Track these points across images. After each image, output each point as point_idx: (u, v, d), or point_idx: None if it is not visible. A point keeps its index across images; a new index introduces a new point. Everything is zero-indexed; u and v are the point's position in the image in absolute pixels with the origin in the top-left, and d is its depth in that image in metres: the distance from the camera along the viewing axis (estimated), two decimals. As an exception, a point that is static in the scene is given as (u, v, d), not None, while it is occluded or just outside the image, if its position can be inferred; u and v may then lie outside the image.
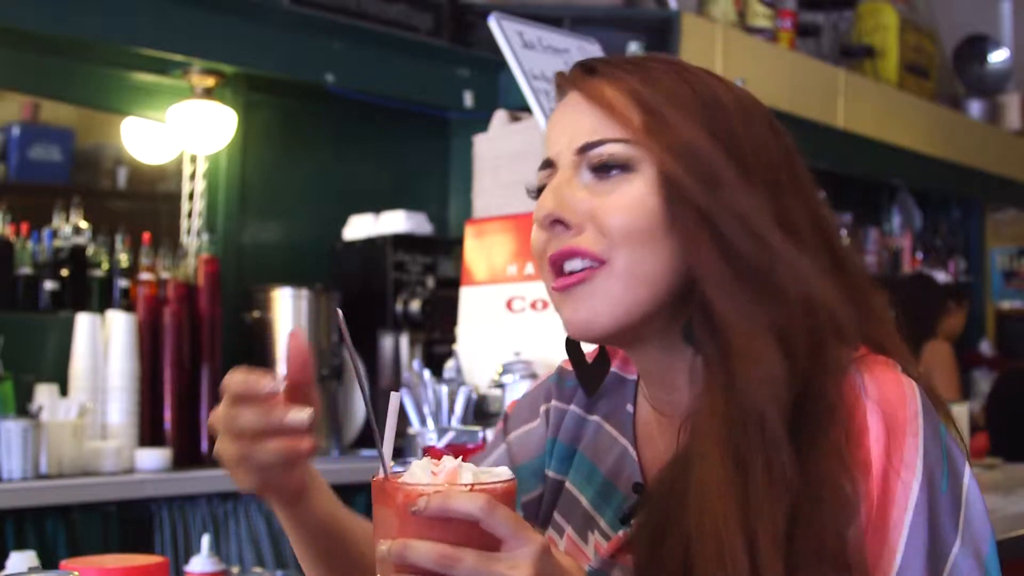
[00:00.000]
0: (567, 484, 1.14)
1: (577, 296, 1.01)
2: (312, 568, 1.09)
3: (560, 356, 1.23)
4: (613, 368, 1.17)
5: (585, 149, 1.02)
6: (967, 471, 0.96)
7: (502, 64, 3.10)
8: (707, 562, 0.91)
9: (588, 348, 1.16)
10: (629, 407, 1.14)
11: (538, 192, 1.06)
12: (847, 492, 0.92)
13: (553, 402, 1.20)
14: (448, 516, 0.83)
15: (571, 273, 1.01)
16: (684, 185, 0.98)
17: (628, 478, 1.09)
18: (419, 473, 0.87)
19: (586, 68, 1.07)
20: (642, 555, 0.99)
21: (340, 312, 0.95)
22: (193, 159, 3.80)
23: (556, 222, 1.01)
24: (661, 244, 0.99)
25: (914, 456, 0.93)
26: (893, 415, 0.94)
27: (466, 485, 0.85)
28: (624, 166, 1.00)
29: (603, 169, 1.01)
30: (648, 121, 1.00)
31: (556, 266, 1.02)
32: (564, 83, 1.08)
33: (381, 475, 0.89)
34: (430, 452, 0.88)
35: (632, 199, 0.99)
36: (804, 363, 0.95)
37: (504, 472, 0.89)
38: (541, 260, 1.05)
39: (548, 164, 1.06)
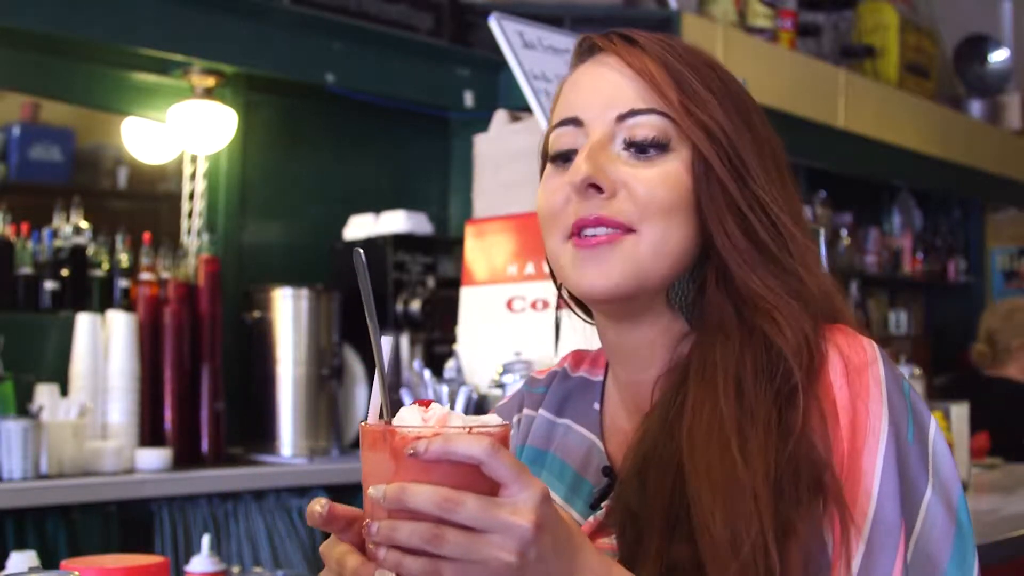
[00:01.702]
0: None
1: (600, 257, 1.03)
2: None
3: (559, 356, 1.24)
4: (581, 372, 1.21)
5: (625, 117, 1.04)
6: (933, 424, 1.00)
7: (502, 64, 3.10)
8: (705, 500, 0.93)
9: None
10: (596, 405, 1.17)
11: (563, 156, 1.07)
12: (819, 437, 0.95)
13: (524, 411, 1.23)
14: (448, 459, 0.80)
15: (595, 236, 1.03)
16: (716, 167, 1.02)
17: (596, 468, 1.12)
18: (409, 418, 0.84)
19: (625, 37, 1.09)
20: (629, 497, 1.01)
21: (361, 252, 0.91)
22: (193, 159, 3.80)
23: (591, 186, 1.03)
24: (687, 220, 1.03)
25: (879, 405, 0.97)
26: (851, 361, 0.99)
27: (462, 428, 0.82)
28: (661, 145, 1.03)
29: (639, 147, 1.04)
30: (684, 100, 1.04)
31: (578, 229, 1.04)
32: (603, 45, 1.09)
33: (374, 421, 0.86)
34: (417, 403, 0.86)
35: (667, 173, 1.03)
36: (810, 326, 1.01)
37: (494, 418, 0.87)
38: (556, 219, 1.06)
39: (574, 122, 1.07)
